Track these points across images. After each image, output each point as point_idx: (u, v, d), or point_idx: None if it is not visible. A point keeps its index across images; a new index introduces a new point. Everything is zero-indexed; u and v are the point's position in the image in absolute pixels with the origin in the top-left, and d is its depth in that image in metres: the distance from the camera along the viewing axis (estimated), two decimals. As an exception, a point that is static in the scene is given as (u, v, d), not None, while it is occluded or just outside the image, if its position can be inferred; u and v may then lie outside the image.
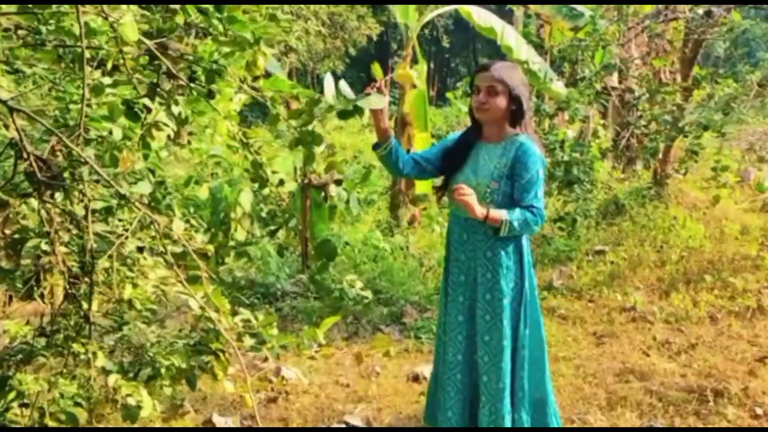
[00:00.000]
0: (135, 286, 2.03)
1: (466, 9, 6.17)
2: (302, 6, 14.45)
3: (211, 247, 2.01)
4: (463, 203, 2.28)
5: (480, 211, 2.29)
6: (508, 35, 6.34)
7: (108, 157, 2.06)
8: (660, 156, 5.61)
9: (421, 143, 5.91)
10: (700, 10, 4.50)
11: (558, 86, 6.09)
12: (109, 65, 2.26)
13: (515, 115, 2.40)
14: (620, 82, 7.13)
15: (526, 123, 2.43)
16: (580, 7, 5.57)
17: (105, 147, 2.15)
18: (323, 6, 15.27)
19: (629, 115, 6.31)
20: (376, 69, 2.46)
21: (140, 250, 2.04)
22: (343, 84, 2.34)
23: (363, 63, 25.96)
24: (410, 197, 6.22)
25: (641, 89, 5.28)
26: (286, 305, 4.68)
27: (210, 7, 2.15)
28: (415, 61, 5.94)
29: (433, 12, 6.04)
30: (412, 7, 5.77)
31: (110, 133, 2.03)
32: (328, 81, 2.36)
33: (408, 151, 6.35)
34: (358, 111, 2.25)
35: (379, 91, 2.36)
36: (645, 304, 4.21)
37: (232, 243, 5.96)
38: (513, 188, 2.37)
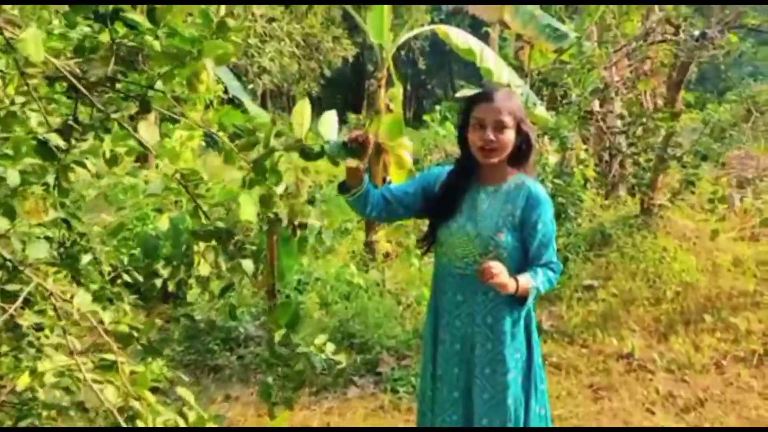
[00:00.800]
0: (34, 372, 1.60)
1: (442, 29, 5.86)
2: (275, 26, 14.11)
3: (124, 326, 1.58)
4: (497, 286, 1.90)
5: (513, 285, 1.92)
6: (487, 57, 6.04)
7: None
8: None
9: (396, 173, 5.54)
10: (696, 31, 4.24)
11: (541, 111, 5.80)
12: (10, 90, 1.86)
13: (521, 153, 2.04)
14: (602, 106, 6.88)
15: (532, 163, 2.07)
16: (564, 28, 5.28)
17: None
18: (297, 27, 14.95)
19: (613, 141, 6.04)
20: (374, 122, 2.08)
21: (38, 328, 1.61)
22: (331, 117, 1.91)
23: (339, 84, 25.73)
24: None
25: (629, 115, 4.99)
26: (248, 352, 4.24)
27: (142, 21, 1.75)
28: (390, 83, 5.59)
29: (408, 33, 5.72)
30: (386, 28, 5.43)
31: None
32: (303, 106, 1.94)
33: (384, 180, 5.96)
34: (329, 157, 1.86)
35: (361, 144, 1.92)
36: (643, 349, 3.85)
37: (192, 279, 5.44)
38: (521, 240, 2.00)
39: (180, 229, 6.08)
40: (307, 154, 1.83)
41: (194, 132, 1.86)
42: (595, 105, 6.55)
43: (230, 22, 1.72)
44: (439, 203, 2.14)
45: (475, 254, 2.01)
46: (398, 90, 5.45)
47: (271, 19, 14.06)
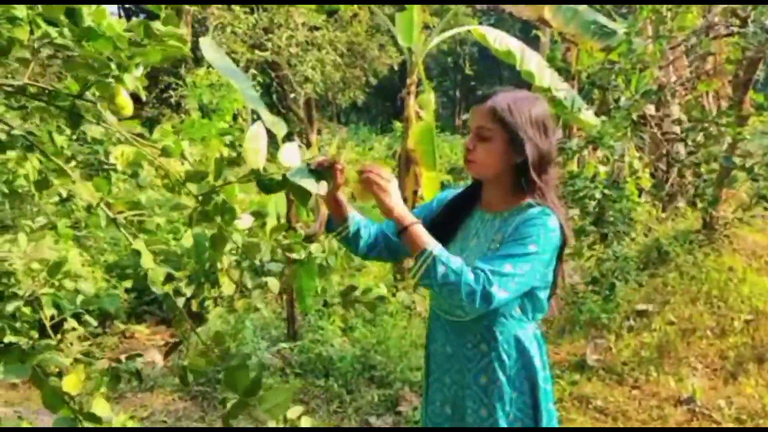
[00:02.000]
0: None
1: (479, 31, 5.43)
2: (317, 34, 13.97)
3: None
4: (367, 188, 1.53)
5: (393, 209, 1.52)
6: (529, 59, 5.57)
7: None
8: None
9: (428, 184, 5.13)
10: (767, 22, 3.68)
11: (588, 116, 5.29)
12: None
13: (521, 174, 1.59)
14: (658, 110, 6.28)
15: (545, 188, 1.59)
16: (612, 24, 4.78)
17: None
18: (340, 34, 14.75)
19: (671, 149, 5.45)
20: (336, 144, 1.69)
21: None
22: (292, 145, 1.53)
23: (386, 92, 25.44)
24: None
25: (689, 119, 4.43)
26: (267, 383, 3.89)
27: (60, 17, 1.43)
28: (420, 90, 5.20)
29: (439, 35, 5.31)
30: (416, 30, 5.05)
31: None
32: (257, 131, 1.56)
33: (415, 193, 5.50)
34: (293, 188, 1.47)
35: (329, 168, 1.53)
36: (706, 392, 3.30)
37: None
38: None
39: (204, 245, 5.83)
40: (266, 185, 1.45)
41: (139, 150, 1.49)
42: (650, 109, 5.98)
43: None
44: (437, 229, 1.73)
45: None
46: (429, 97, 5.06)
47: (314, 28, 13.91)
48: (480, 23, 17.38)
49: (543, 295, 1.64)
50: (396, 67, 19.62)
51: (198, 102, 6.53)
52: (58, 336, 2.37)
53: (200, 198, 1.46)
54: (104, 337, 5.14)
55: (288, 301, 4.56)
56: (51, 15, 1.44)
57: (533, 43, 7.61)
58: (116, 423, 1.97)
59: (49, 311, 1.78)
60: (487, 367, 1.62)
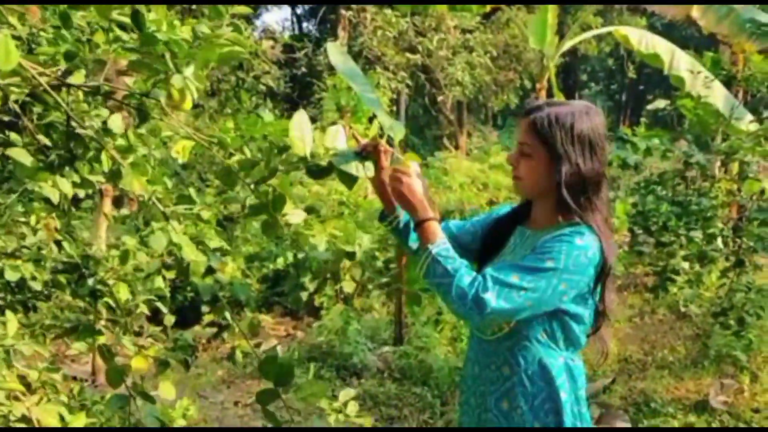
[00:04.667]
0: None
1: (621, 32, 5.07)
2: (469, 37, 13.93)
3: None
4: (396, 198, 1.53)
5: (414, 202, 1.47)
6: (679, 63, 5.10)
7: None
8: None
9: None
10: None
11: (750, 126, 4.71)
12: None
13: (561, 193, 1.44)
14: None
15: (588, 209, 1.45)
16: (772, 21, 4.19)
17: None
18: (492, 37, 14.55)
19: None
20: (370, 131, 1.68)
21: None
22: (337, 129, 1.57)
23: (546, 95, 24.67)
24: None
25: None
26: (359, 384, 3.94)
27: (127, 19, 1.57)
28: (550, 94, 4.96)
29: (573, 39, 5.03)
30: (549, 33, 4.82)
31: None
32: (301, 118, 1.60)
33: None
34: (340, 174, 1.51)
35: (374, 151, 1.53)
36: None
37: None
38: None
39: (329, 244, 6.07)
40: (314, 171, 1.52)
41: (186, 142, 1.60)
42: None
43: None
44: (487, 240, 1.65)
45: None
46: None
47: (465, 30, 13.88)
48: (650, 24, 16.22)
49: (577, 326, 1.49)
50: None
51: (335, 103, 6.79)
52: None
53: (253, 187, 1.54)
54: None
55: (397, 305, 4.57)
56: (119, 19, 1.57)
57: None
58: (181, 406, 2.09)
59: (125, 296, 1.92)
60: (508, 391, 1.51)
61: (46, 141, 1.70)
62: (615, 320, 4.77)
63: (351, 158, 1.47)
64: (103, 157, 1.69)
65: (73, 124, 1.69)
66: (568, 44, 5.04)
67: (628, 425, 3.14)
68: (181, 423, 2.72)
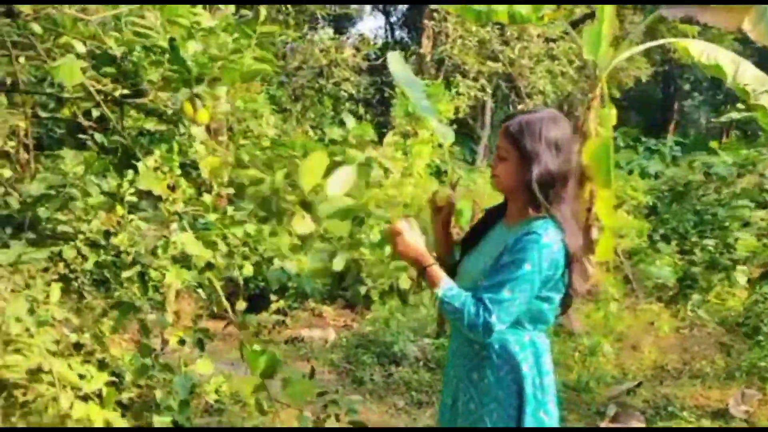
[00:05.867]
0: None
1: (681, 44, 5.05)
2: (552, 45, 13.86)
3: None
4: (397, 253, 1.74)
5: (420, 260, 1.71)
6: (744, 75, 5.02)
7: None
8: None
9: (602, 203, 4.94)
10: None
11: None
12: (67, 112, 2.16)
13: (531, 192, 1.69)
14: None
15: (555, 203, 1.68)
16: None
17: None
18: (575, 47, 14.39)
19: None
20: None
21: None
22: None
23: (640, 104, 23.72)
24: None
25: None
26: (398, 371, 4.21)
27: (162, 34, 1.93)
28: (602, 105, 5.03)
29: (631, 49, 5.07)
30: (603, 43, 4.90)
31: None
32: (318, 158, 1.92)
33: (588, 210, 5.40)
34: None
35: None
36: None
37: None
38: None
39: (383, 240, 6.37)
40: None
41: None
42: None
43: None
44: (472, 231, 1.92)
45: None
46: (610, 112, 4.87)
47: (549, 39, 13.81)
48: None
49: (548, 306, 1.72)
50: (643, 79, 18.33)
51: (404, 111, 7.09)
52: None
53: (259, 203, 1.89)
54: (297, 312, 5.86)
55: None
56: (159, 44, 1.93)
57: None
58: (200, 368, 2.46)
59: (171, 280, 2.29)
60: (478, 365, 1.75)
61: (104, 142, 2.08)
62: (660, 330, 4.79)
63: None
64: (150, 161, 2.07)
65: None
66: (623, 55, 5.08)
67: (642, 425, 3.24)
68: (213, 397, 3.09)
